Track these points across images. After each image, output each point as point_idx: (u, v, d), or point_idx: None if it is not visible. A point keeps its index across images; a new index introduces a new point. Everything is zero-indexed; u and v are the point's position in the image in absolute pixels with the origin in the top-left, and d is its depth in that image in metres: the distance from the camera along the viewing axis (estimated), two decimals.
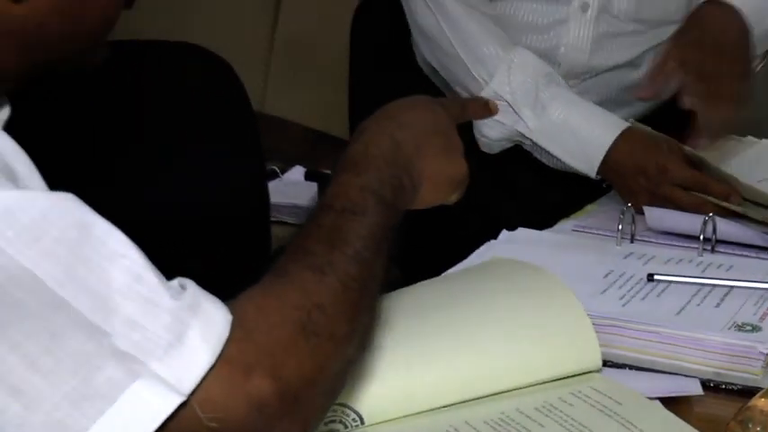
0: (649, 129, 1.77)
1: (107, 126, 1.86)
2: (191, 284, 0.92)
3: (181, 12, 3.81)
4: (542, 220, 1.65)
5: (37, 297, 0.85)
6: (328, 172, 3.19)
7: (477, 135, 1.85)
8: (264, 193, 2.09)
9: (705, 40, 1.68)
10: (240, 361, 0.88)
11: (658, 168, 1.64)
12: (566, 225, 1.62)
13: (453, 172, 1.19)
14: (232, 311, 0.91)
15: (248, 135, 2.03)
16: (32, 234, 0.86)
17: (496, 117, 1.77)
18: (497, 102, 1.73)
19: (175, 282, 0.92)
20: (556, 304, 1.19)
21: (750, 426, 1.04)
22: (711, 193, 1.61)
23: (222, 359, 0.87)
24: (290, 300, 0.95)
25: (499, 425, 1.06)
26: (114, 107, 1.89)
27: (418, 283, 1.26)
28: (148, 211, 1.83)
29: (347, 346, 0.98)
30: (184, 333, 0.87)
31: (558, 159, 1.78)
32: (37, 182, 0.97)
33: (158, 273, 0.90)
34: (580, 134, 1.75)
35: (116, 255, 0.87)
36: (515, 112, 1.80)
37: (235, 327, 0.89)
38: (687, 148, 1.65)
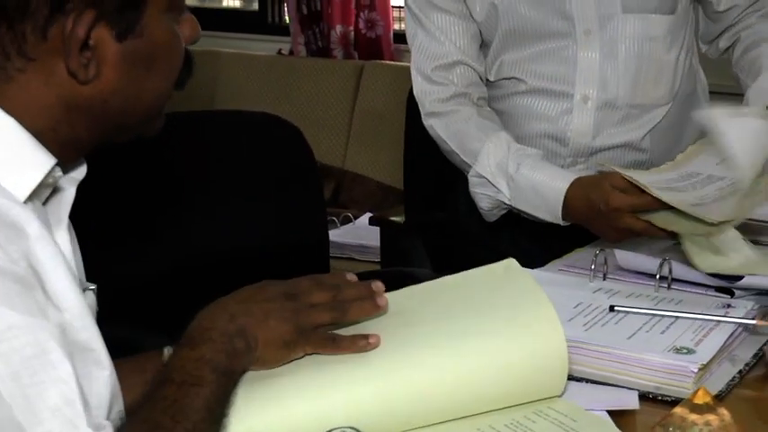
0: (600, 171, 1.74)
1: (192, 181, 1.89)
2: (108, 427, 0.92)
3: (285, 88, 3.88)
4: (544, 262, 1.66)
5: None
6: (393, 219, 3.22)
7: (478, 207, 1.86)
8: (324, 237, 2.09)
9: None
10: None
11: (606, 204, 1.57)
12: (555, 265, 1.62)
13: (284, 332, 1.08)
14: None
15: (311, 188, 2.06)
16: None
17: (484, 191, 1.82)
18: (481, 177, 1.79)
19: (102, 419, 0.93)
20: (542, 338, 1.14)
21: (671, 429, 1.06)
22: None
23: None
24: None
25: None
26: (201, 165, 1.91)
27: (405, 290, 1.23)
28: (223, 250, 1.89)
29: None
30: None
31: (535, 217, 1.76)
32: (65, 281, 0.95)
33: (87, 405, 0.90)
34: (542, 192, 1.72)
35: (59, 380, 0.87)
36: (495, 186, 1.79)
37: None
38: (626, 175, 1.55)
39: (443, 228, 2.24)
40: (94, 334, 0.97)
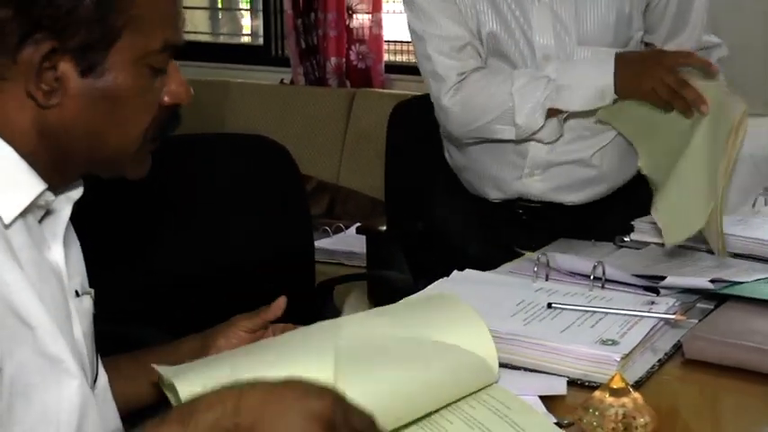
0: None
1: (192, 195, 1.89)
2: None
3: (286, 113, 3.87)
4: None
5: None
6: (379, 228, 3.19)
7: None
8: (310, 245, 2.08)
9: None
10: None
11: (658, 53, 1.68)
12: (505, 268, 1.61)
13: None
14: None
15: (296, 204, 2.05)
16: None
17: (530, 93, 1.75)
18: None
19: None
20: (471, 340, 1.13)
21: (591, 410, 1.07)
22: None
23: None
24: None
25: (424, 423, 1.05)
26: (202, 180, 1.92)
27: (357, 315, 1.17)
28: (218, 258, 1.90)
29: None
30: None
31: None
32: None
33: None
34: (591, 61, 1.76)
35: None
36: (537, 85, 1.75)
37: None
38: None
39: (419, 236, 2.24)
40: (64, 347, 0.95)
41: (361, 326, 1.13)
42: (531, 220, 1.91)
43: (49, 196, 0.99)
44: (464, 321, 1.17)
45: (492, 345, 1.15)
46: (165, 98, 1.02)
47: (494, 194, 1.92)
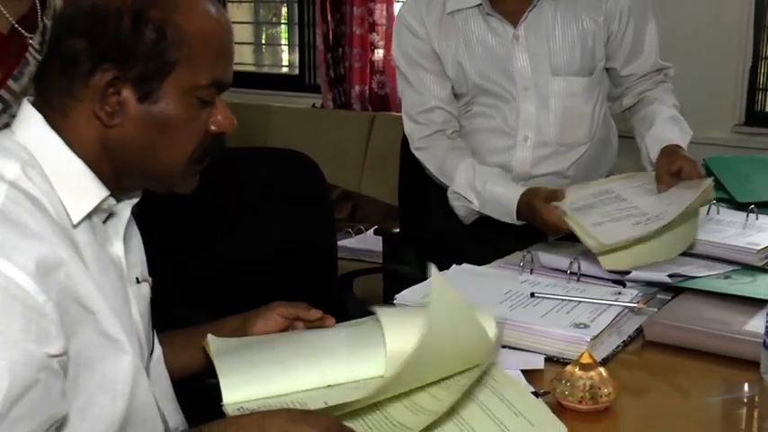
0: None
1: (236, 198, 1.89)
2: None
3: (317, 132, 3.85)
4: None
5: None
6: (394, 231, 3.14)
7: (457, 215, 1.88)
8: (333, 244, 2.08)
9: (684, 157, 1.65)
10: None
11: (540, 210, 1.64)
12: (497, 263, 1.62)
13: None
14: None
15: (322, 209, 2.05)
16: None
17: (460, 203, 1.84)
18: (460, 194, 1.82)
19: None
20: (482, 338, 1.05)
21: (563, 381, 1.09)
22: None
23: None
24: None
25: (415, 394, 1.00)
26: (244, 187, 1.93)
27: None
28: (257, 252, 1.90)
29: None
30: None
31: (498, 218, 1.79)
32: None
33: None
34: (502, 201, 1.76)
35: None
36: (468, 199, 1.83)
37: None
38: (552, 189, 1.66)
39: (427, 236, 2.26)
40: (120, 329, 0.96)
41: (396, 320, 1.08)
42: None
43: (111, 201, 1.01)
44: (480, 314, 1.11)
45: (492, 344, 1.08)
46: (212, 127, 1.02)
47: None
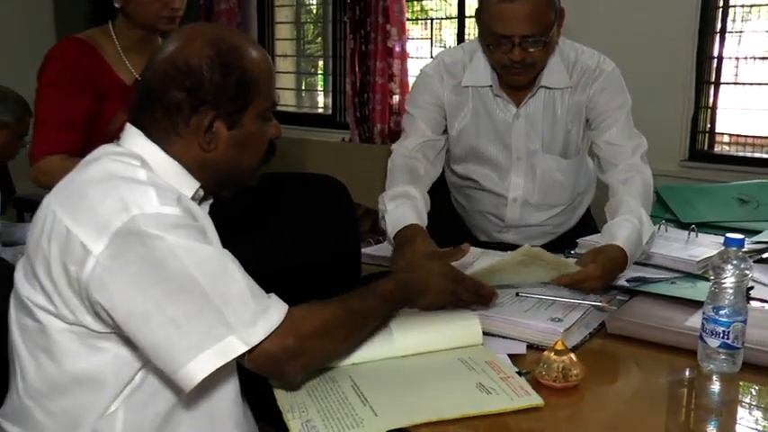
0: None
1: (273, 215, 1.88)
2: (274, 300, 0.94)
3: (347, 162, 3.84)
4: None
5: (191, 283, 0.88)
6: None
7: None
8: (358, 251, 2.05)
9: (605, 265, 1.39)
10: (282, 333, 0.91)
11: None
12: None
13: (435, 299, 1.18)
14: (290, 312, 0.93)
15: (349, 223, 2.02)
16: (199, 258, 0.90)
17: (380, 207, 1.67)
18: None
19: (268, 296, 0.94)
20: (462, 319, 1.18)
21: (541, 364, 1.08)
22: None
23: (274, 333, 0.90)
24: (324, 313, 0.97)
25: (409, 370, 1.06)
26: (280, 205, 1.90)
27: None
28: (294, 258, 1.87)
29: (341, 344, 0.99)
30: (257, 322, 0.89)
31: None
32: (215, 239, 1.00)
33: (257, 291, 0.90)
34: (394, 219, 1.64)
35: (236, 281, 0.90)
36: (385, 206, 1.69)
37: (286, 318, 0.93)
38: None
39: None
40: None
41: None
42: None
43: (202, 192, 1.06)
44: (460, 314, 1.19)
45: (478, 321, 1.18)
46: (271, 135, 1.09)
47: (482, 238, 1.92)
